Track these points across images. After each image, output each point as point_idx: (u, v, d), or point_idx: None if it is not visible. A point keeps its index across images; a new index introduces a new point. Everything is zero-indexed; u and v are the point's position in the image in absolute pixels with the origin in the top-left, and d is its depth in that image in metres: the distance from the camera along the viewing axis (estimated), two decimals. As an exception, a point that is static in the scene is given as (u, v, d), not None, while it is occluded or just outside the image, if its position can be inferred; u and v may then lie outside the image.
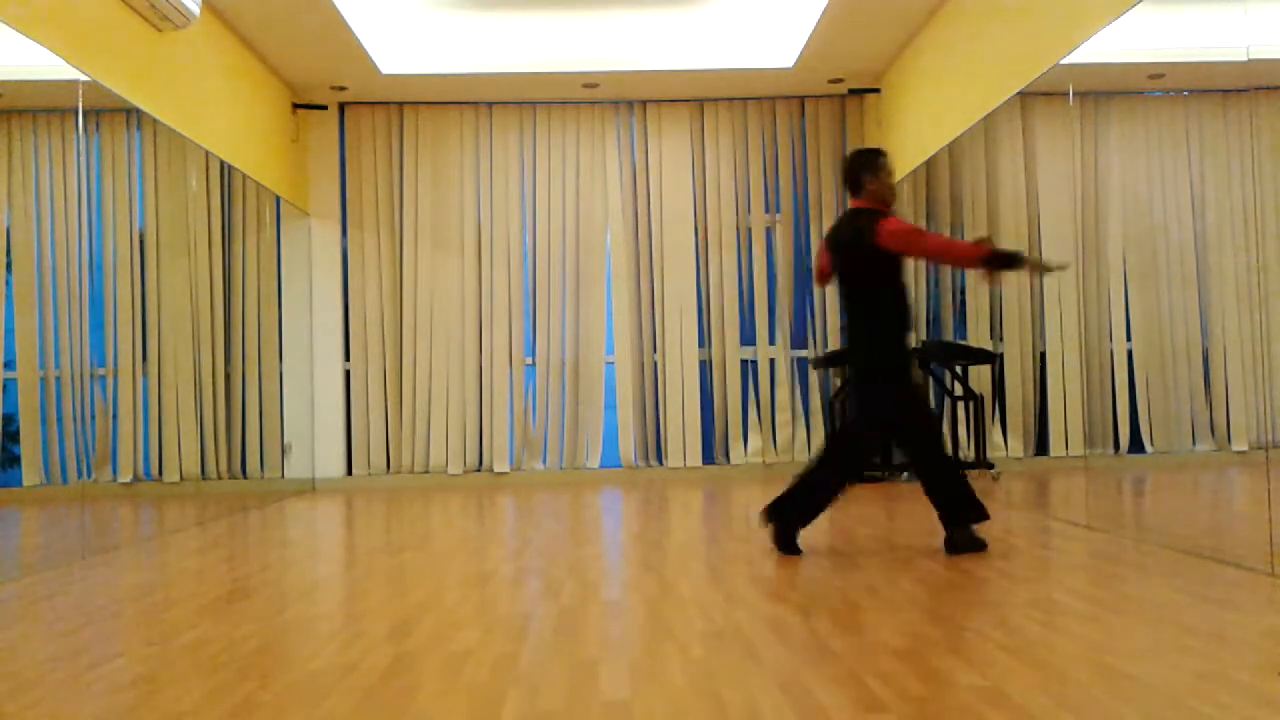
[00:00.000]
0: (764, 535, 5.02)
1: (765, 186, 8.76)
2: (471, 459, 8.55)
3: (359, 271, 8.61)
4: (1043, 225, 7.29)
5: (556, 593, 3.69)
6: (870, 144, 8.55)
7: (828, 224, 8.70)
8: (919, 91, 7.35)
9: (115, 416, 6.39)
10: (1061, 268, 5.13)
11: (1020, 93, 5.72)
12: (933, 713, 2.20)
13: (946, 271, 8.26)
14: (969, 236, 7.98)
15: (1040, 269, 4.78)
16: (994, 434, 7.65)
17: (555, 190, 8.70)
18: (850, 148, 8.74)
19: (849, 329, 4.64)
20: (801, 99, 8.76)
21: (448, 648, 2.90)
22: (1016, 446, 7.53)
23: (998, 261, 4.27)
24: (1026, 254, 4.53)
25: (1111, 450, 6.35)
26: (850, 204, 4.67)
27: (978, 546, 4.34)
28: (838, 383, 8.30)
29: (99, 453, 6.24)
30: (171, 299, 6.97)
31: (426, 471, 8.52)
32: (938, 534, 4.89)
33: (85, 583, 4.20)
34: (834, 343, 8.62)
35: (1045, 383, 7.22)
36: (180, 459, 6.98)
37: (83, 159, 5.79)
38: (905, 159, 7.66)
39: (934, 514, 5.31)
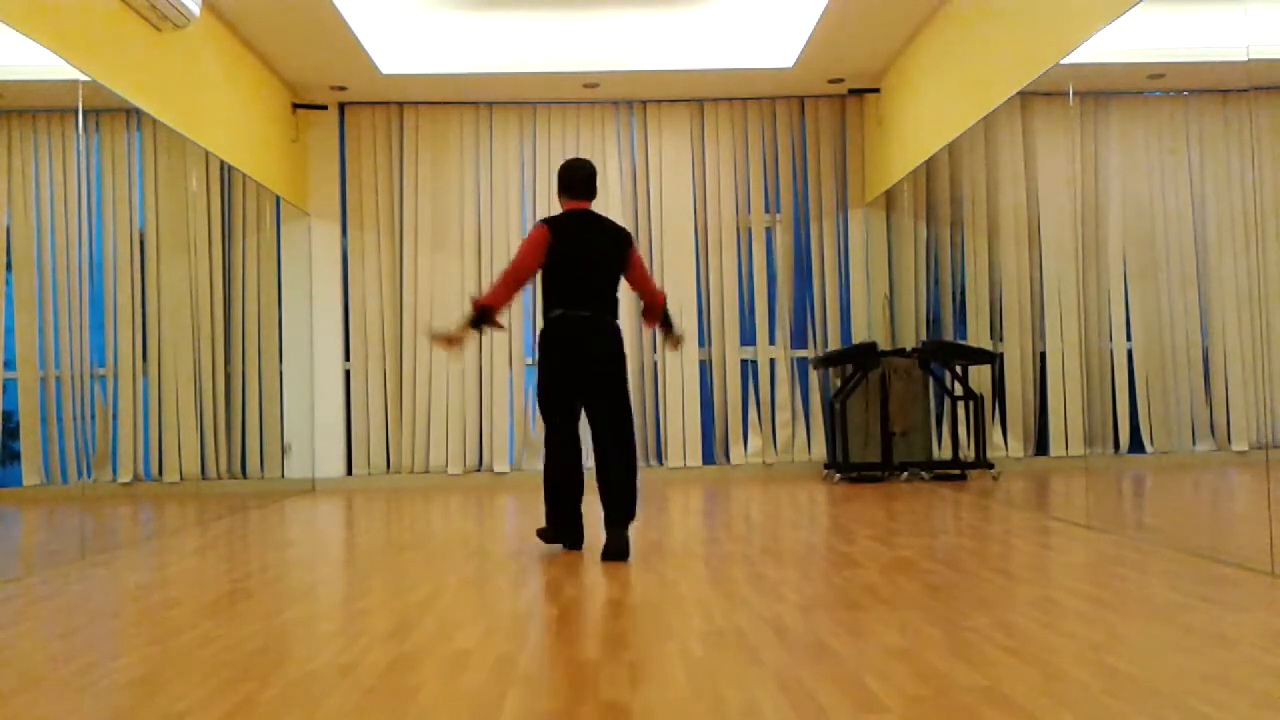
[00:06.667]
0: (764, 536, 5.02)
1: (765, 186, 8.76)
2: (471, 459, 8.55)
3: (359, 271, 8.61)
4: (1043, 225, 7.30)
5: (556, 593, 3.69)
6: (870, 144, 8.56)
7: (828, 224, 8.71)
8: (919, 91, 7.35)
9: (115, 416, 6.39)
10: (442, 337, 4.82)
11: (1020, 93, 5.72)
12: (933, 713, 2.20)
13: (946, 271, 8.26)
14: (967, 237, 8.01)
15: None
16: (994, 434, 7.65)
17: (555, 190, 8.69)
18: (850, 147, 8.75)
19: (601, 319, 4.63)
20: (801, 99, 8.75)
21: (448, 647, 2.90)
22: (1016, 446, 7.54)
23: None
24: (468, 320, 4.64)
25: (1111, 450, 6.35)
26: (579, 205, 4.73)
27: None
28: (837, 383, 8.30)
29: (99, 453, 6.24)
30: (171, 299, 6.97)
31: (426, 472, 8.52)
32: (938, 534, 4.89)
33: (85, 583, 4.20)
34: (834, 343, 8.62)
35: (1045, 383, 7.22)
36: (180, 459, 6.98)
37: (83, 159, 5.79)
38: (905, 159, 7.66)
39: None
